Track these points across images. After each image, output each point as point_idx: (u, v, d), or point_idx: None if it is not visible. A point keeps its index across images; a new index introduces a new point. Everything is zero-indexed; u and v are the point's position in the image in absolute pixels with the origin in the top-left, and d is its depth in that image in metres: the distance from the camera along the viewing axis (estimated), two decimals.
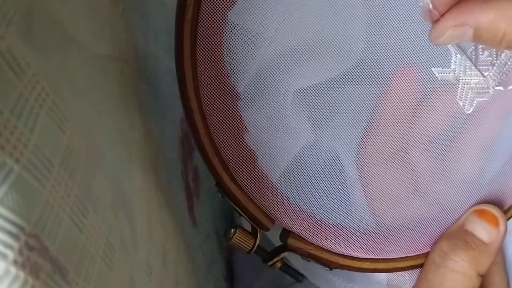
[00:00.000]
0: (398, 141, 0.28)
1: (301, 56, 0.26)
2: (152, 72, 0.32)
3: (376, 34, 0.26)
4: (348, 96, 0.27)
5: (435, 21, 0.23)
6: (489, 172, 0.30)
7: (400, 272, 0.33)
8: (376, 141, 0.28)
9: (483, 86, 0.27)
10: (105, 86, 0.24)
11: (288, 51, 0.26)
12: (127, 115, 0.26)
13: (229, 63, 0.26)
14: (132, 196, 0.24)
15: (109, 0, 0.25)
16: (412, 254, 0.31)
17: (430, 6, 0.23)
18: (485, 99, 0.27)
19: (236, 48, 0.26)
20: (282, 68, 0.26)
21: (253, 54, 0.26)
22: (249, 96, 0.27)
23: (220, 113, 0.27)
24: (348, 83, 0.27)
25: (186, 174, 0.38)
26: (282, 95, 0.27)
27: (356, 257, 0.31)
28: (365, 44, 0.26)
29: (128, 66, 0.27)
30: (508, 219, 0.30)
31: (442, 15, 0.23)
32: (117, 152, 0.24)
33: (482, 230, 0.29)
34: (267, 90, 0.27)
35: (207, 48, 0.25)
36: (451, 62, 0.27)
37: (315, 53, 0.26)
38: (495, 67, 0.26)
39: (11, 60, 0.15)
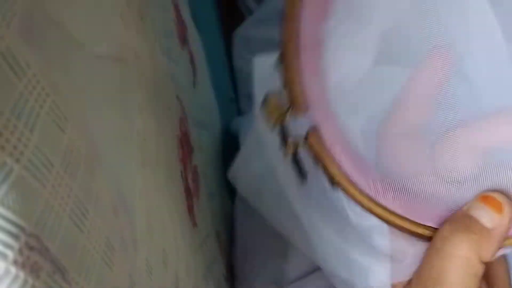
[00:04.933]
0: (421, 121, 0.29)
1: None
2: (152, 72, 0.32)
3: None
4: (381, 74, 0.29)
5: None
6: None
7: (404, 248, 0.32)
8: (399, 117, 0.29)
9: None
10: (105, 86, 0.24)
11: None
12: (127, 115, 0.26)
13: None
14: (132, 196, 0.24)
15: (109, 0, 0.25)
16: (412, 219, 0.31)
17: None
18: None
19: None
20: None
21: None
22: None
23: None
24: (381, 62, 0.28)
25: (186, 174, 0.38)
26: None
27: (359, 187, 0.30)
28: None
29: (128, 66, 0.27)
30: None
31: None
32: (117, 152, 0.24)
33: (484, 215, 0.29)
34: None
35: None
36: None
37: None
38: None
39: (11, 60, 0.15)
